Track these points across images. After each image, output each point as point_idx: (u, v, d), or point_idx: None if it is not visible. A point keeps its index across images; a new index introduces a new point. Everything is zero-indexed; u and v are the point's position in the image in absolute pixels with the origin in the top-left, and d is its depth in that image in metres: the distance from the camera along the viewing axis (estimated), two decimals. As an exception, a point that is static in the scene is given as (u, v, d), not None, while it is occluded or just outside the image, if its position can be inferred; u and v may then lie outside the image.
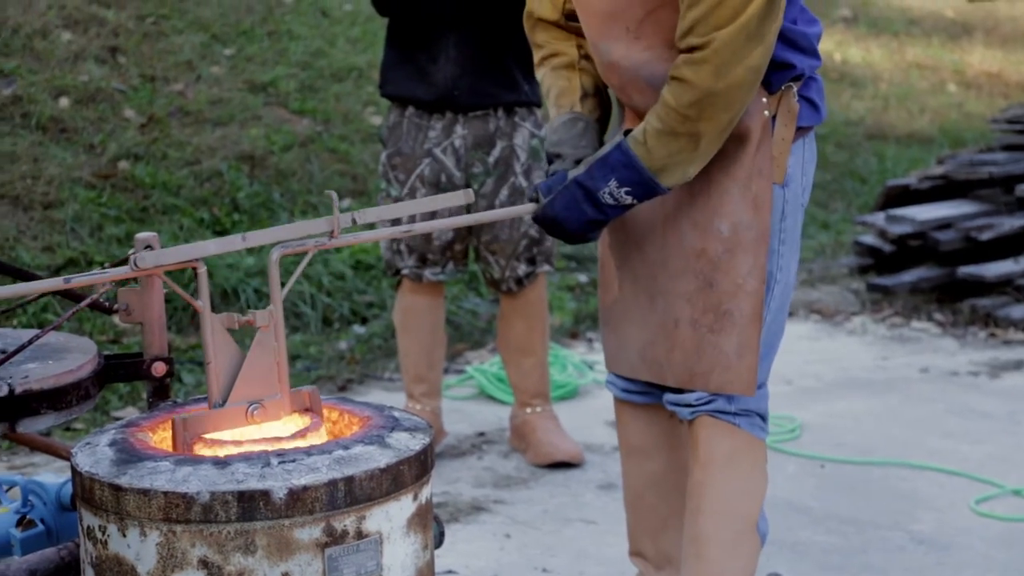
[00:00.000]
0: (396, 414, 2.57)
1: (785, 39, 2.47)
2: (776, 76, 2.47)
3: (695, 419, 2.59)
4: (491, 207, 3.84)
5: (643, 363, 2.65)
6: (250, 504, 2.23)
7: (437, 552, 2.96)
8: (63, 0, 6.52)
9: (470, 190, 2.40)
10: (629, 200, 2.46)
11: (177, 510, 2.16)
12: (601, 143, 2.62)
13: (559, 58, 2.68)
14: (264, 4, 7.34)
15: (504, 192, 3.85)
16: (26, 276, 2.81)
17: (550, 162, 2.63)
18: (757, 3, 2.32)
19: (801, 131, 2.53)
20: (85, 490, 2.22)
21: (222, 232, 5.36)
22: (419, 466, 2.41)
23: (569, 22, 2.67)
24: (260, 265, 5.07)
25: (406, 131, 3.85)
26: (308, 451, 2.34)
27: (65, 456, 2.72)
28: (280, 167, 5.84)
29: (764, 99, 2.48)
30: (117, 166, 5.45)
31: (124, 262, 2.64)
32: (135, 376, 2.67)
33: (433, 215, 3.68)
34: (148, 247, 2.63)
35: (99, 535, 2.22)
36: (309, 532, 2.26)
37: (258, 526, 2.21)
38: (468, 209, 3.66)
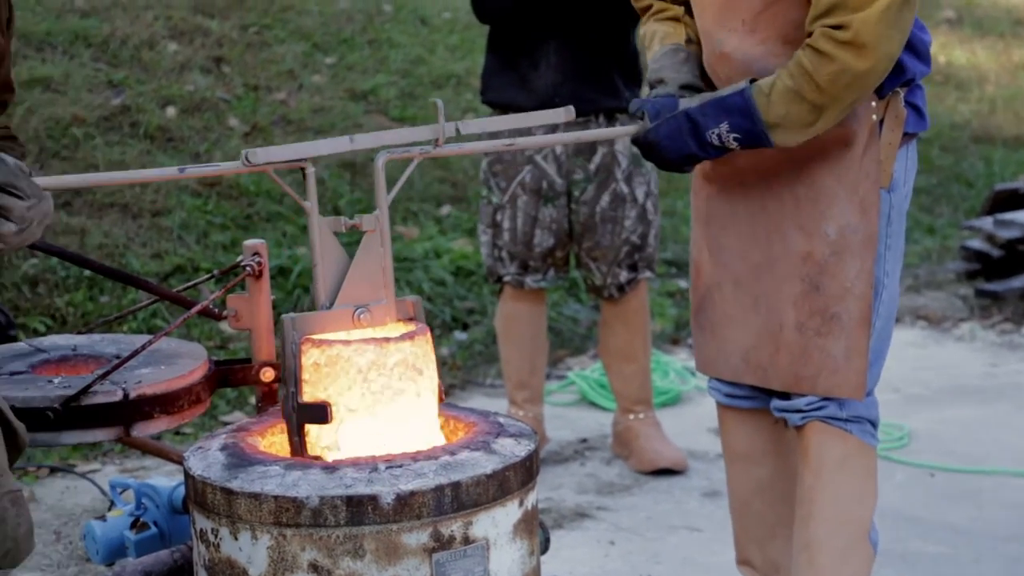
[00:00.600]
0: (501, 420, 2.57)
1: (908, 44, 2.46)
2: (888, 80, 2.44)
3: (805, 425, 2.56)
4: (592, 213, 3.83)
5: (747, 367, 2.63)
6: (359, 509, 2.24)
7: (542, 558, 2.96)
8: (169, 11, 6.64)
9: (571, 108, 2.43)
10: (735, 145, 2.44)
11: (287, 514, 2.19)
12: (703, 75, 2.61)
13: (664, 12, 2.71)
14: (365, 13, 7.41)
15: (605, 198, 3.84)
16: (137, 282, 2.86)
17: (652, 87, 2.63)
18: None
19: (906, 137, 2.52)
20: (198, 493, 2.25)
21: (325, 239, 5.42)
22: (525, 472, 2.41)
23: None
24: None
25: (507, 138, 3.85)
26: (415, 457, 2.35)
27: (176, 460, 2.76)
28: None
29: (873, 103, 2.47)
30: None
31: (233, 269, 2.69)
32: (244, 381, 2.71)
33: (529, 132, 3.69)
34: (256, 254, 2.67)
35: (211, 538, 2.25)
36: (417, 537, 2.27)
37: (367, 530, 2.23)
38: (554, 129, 3.68)
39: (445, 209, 5.85)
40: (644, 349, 3.97)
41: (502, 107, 3.87)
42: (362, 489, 2.26)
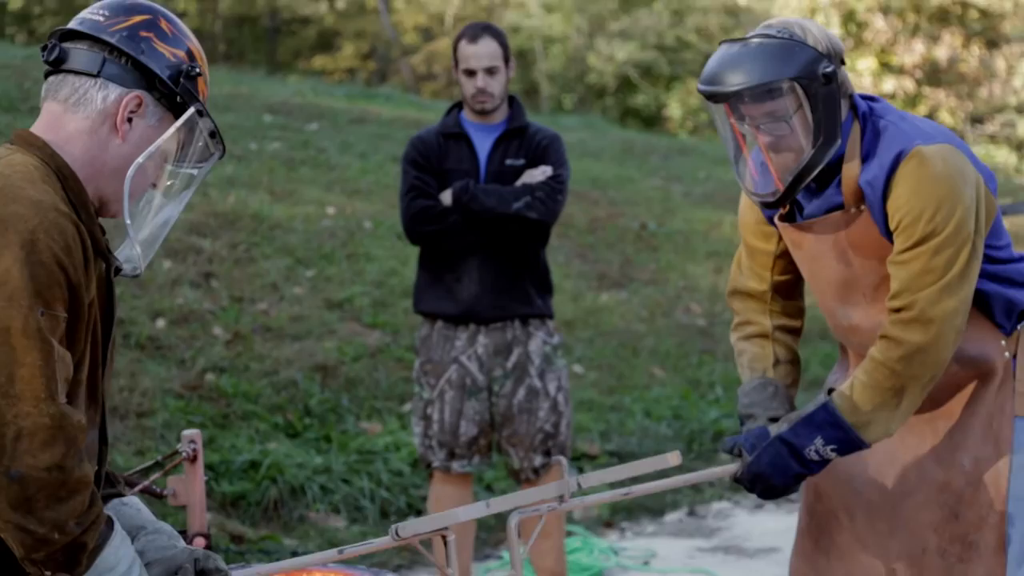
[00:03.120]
0: (388, 574, 3.08)
1: (1003, 278, 2.65)
2: (1006, 319, 2.65)
3: None
4: (509, 406, 4.38)
5: None
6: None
7: None
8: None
9: (678, 453, 2.57)
10: (833, 456, 2.60)
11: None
12: (792, 406, 2.77)
13: (753, 327, 2.87)
14: (345, 230, 8.11)
15: (521, 392, 4.40)
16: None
17: (742, 423, 2.78)
18: (956, 270, 2.51)
19: None
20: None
21: (295, 435, 5.98)
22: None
23: (774, 295, 2.86)
24: (325, 464, 5.65)
25: (436, 342, 4.44)
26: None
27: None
28: (350, 375, 6.47)
29: (1003, 341, 2.67)
30: (204, 378, 6.13)
31: (171, 456, 3.23)
32: (179, 548, 3.23)
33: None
34: (192, 442, 3.22)
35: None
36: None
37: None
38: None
39: (407, 406, 6.41)
40: (558, 528, 4.46)
41: (431, 315, 4.46)
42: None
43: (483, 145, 4.42)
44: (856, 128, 2.60)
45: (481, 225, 4.32)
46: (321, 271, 7.48)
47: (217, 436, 5.74)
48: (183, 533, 3.24)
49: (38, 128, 2.06)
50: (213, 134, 2.11)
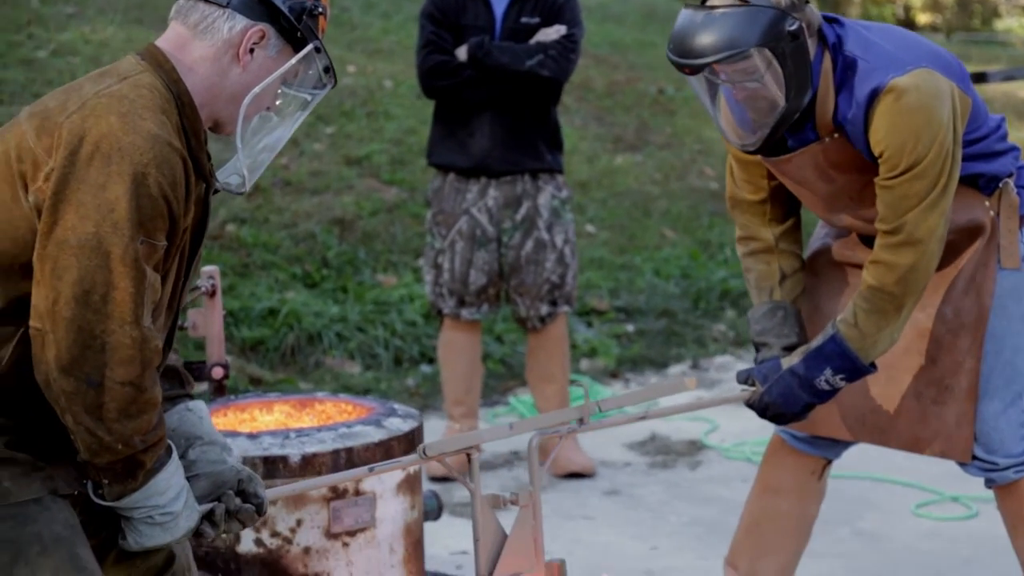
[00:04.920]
0: (396, 406, 3.28)
1: (983, 154, 2.77)
2: (988, 183, 2.78)
3: (1021, 480, 2.82)
4: (518, 257, 4.55)
5: (863, 428, 2.93)
6: (273, 466, 2.95)
7: (459, 540, 3.58)
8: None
9: (694, 379, 2.58)
10: (843, 384, 2.74)
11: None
12: (801, 327, 2.89)
13: (756, 243, 2.96)
14: (366, 88, 8.21)
15: (529, 244, 4.55)
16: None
17: (757, 350, 2.92)
18: (938, 188, 2.62)
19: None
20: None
21: (312, 285, 6.18)
22: (407, 443, 3.11)
23: (773, 202, 2.94)
24: (342, 313, 5.85)
25: (447, 193, 4.59)
26: (319, 428, 3.06)
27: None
28: (367, 230, 6.64)
29: (987, 202, 2.79)
30: (225, 229, 6.30)
31: (193, 290, 3.41)
32: (199, 378, 3.43)
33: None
34: (211, 277, 3.40)
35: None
36: (317, 489, 2.97)
37: (278, 483, 2.93)
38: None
39: (421, 260, 6.58)
40: (563, 373, 4.66)
41: (444, 168, 4.60)
42: (276, 451, 2.98)
43: (499, 2, 4.51)
44: (827, 61, 2.69)
45: (494, 81, 4.44)
46: (341, 128, 7.60)
47: (237, 284, 5.94)
48: (202, 364, 3.44)
49: (166, 46, 2.14)
50: (327, 69, 2.21)
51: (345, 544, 3.00)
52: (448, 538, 3.97)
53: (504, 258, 4.57)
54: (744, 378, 2.88)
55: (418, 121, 7.95)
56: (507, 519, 2.44)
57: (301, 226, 6.50)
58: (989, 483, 2.86)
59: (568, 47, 4.48)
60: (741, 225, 3.00)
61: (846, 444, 3.08)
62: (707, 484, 4.45)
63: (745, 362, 5.93)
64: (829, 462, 3.13)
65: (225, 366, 3.40)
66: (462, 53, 4.48)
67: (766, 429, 4.78)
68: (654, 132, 8.84)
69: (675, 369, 5.87)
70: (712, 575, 3.55)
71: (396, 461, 2.60)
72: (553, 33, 4.49)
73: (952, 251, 2.79)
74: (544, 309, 4.59)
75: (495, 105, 4.50)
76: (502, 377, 5.62)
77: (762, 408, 2.83)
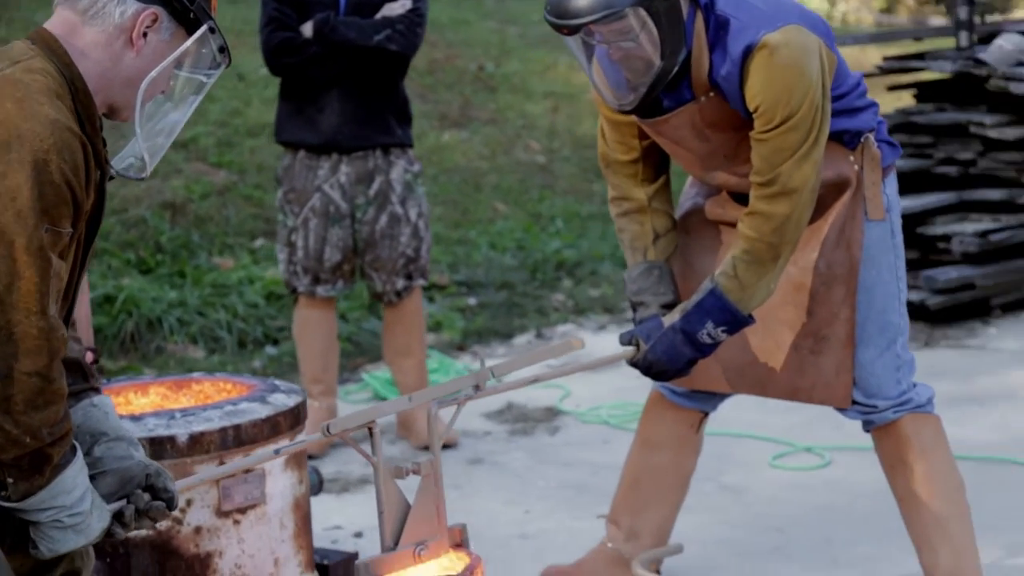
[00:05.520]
0: (277, 382, 3.26)
1: (846, 110, 2.87)
2: (849, 138, 2.88)
3: (899, 419, 2.92)
4: (372, 232, 4.54)
5: (742, 380, 3.02)
6: (160, 447, 2.90)
7: (329, 515, 3.58)
8: None
9: (582, 340, 2.63)
10: (724, 337, 2.81)
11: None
12: (675, 285, 2.97)
13: (630, 203, 3.01)
14: (185, 69, 8.04)
15: (384, 219, 4.55)
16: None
17: (634, 310, 2.97)
18: (811, 140, 2.72)
19: (887, 169, 2.93)
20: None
21: (147, 271, 6.05)
22: (293, 417, 3.10)
23: (644, 162, 3.00)
24: (180, 298, 5.75)
25: (298, 171, 4.55)
26: (204, 407, 3.02)
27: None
28: (199, 213, 6.53)
29: (851, 157, 2.89)
30: (52, 216, 6.12)
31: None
32: (69, 362, 3.35)
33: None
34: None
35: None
36: (206, 467, 2.93)
37: (166, 463, 2.88)
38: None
39: (258, 242, 6.51)
40: (420, 346, 4.68)
41: (293, 145, 4.56)
42: (162, 432, 2.93)
43: (342, -22, 4.49)
44: (700, 22, 2.77)
45: (342, 57, 4.42)
46: (163, 110, 7.44)
47: (70, 272, 5.77)
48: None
49: (56, 31, 2.08)
50: (222, 48, 2.17)
51: (236, 522, 2.97)
52: (319, 514, 3.95)
53: (358, 234, 4.57)
54: (628, 339, 2.94)
55: (241, 103, 7.84)
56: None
57: (131, 211, 6.35)
58: (867, 426, 3.00)
59: (415, 21, 4.49)
60: (613, 185, 3.06)
61: (723, 397, 3.20)
62: (569, 448, 4.55)
63: (586, 330, 6.06)
64: (706, 415, 3.25)
65: (95, 350, 3.33)
66: (307, 29, 4.44)
67: (619, 393, 4.95)
68: (477, 108, 8.91)
69: (520, 339, 5.95)
70: (587, 535, 3.63)
71: (302, 441, 2.60)
72: (399, 7, 4.50)
73: (821, 206, 2.89)
74: (400, 283, 4.60)
75: (343, 81, 4.48)
76: (351, 355, 5.61)
77: (646, 366, 2.90)
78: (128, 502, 2.14)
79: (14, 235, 1.91)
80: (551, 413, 4.90)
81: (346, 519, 3.94)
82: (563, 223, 7.36)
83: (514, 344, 5.90)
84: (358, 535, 3.83)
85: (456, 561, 2.64)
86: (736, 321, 2.82)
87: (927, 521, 2.93)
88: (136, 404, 3.24)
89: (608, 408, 4.85)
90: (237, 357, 5.61)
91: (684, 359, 2.86)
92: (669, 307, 2.95)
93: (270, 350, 5.68)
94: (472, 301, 6.36)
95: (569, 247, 7.01)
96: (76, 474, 2.04)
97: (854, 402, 2.95)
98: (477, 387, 2.64)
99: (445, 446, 4.58)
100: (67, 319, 2.16)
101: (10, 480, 2.00)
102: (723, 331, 2.82)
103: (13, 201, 1.91)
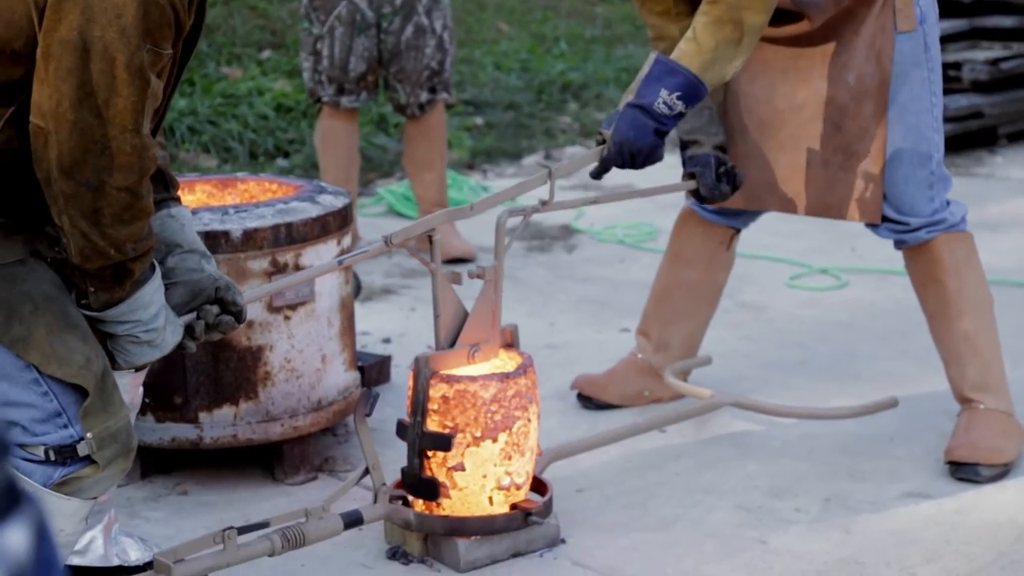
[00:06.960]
0: (323, 184, 3.29)
1: None
2: None
3: (932, 239, 2.95)
4: (397, 43, 4.52)
5: (772, 197, 3.01)
6: (214, 241, 2.94)
7: (356, 322, 3.65)
8: None
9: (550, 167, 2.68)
10: (681, 106, 2.70)
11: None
12: (724, 127, 2.96)
13: (666, 42, 2.95)
14: None
15: (409, 29, 4.53)
16: None
17: (684, 148, 2.96)
18: None
19: None
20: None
21: (156, 78, 5.99)
22: (341, 219, 3.14)
23: (677, 3, 2.95)
24: (191, 107, 5.72)
25: None
26: (257, 204, 3.06)
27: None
28: (206, 22, 6.45)
29: None
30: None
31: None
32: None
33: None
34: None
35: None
36: (259, 263, 2.98)
37: (221, 258, 2.93)
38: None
39: (266, 53, 6.45)
40: (441, 160, 4.70)
41: None
42: (216, 226, 2.97)
43: None
44: None
45: None
46: None
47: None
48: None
49: None
50: None
51: (287, 317, 3.04)
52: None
53: (383, 44, 4.54)
54: (598, 139, 2.81)
55: None
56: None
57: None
58: (899, 244, 3.03)
59: None
60: (651, 26, 3.03)
61: (754, 215, 3.24)
62: (587, 265, 4.62)
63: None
64: (737, 232, 3.29)
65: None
66: None
67: (632, 214, 5.00)
68: (479, -73, 8.76)
69: (529, 160, 5.97)
70: (611, 346, 3.73)
71: (362, 250, 2.64)
72: None
73: (850, 18, 2.87)
74: (424, 96, 4.60)
75: None
76: (362, 170, 5.62)
77: (618, 150, 2.74)
78: (198, 317, 2.19)
79: (116, 52, 1.91)
80: (567, 231, 4.96)
81: (372, 326, 4.01)
82: (567, 45, 7.31)
83: (523, 164, 5.93)
84: (386, 340, 3.91)
85: (508, 360, 2.76)
86: (689, 84, 2.70)
87: (957, 336, 3.00)
88: (186, 200, 3.26)
89: (623, 228, 4.91)
90: (249, 168, 5.61)
91: (649, 131, 2.72)
92: (722, 149, 2.97)
93: (281, 162, 5.69)
94: (479, 120, 6.36)
95: (574, 70, 6.98)
96: (154, 291, 2.09)
97: (886, 219, 2.96)
98: (544, 202, 2.70)
99: (462, 260, 4.64)
100: (155, 132, 2.18)
101: (91, 289, 2.05)
102: (678, 97, 2.70)
103: (119, 18, 1.90)
